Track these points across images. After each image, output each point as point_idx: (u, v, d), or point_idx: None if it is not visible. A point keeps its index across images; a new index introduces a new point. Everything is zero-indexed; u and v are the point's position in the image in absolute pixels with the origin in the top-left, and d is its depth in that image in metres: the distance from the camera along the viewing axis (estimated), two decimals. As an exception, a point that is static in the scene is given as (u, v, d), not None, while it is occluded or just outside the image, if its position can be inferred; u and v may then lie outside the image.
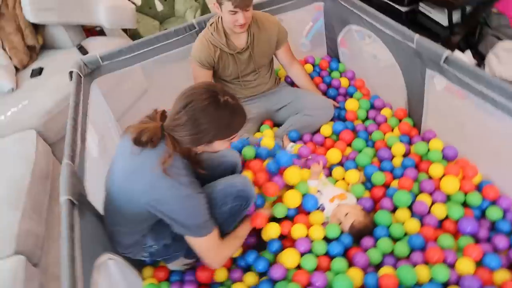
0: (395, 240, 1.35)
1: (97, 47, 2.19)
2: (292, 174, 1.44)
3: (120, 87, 2.02)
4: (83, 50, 2.17)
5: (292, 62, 1.87)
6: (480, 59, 2.02)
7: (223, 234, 1.19)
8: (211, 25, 1.67)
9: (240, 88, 1.83)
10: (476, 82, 1.23)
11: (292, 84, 2.10)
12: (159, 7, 2.80)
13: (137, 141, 1.03)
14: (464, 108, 1.41)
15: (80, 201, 1.06)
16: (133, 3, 2.34)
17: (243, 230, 1.27)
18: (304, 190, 1.44)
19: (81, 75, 1.57)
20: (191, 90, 1.03)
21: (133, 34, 2.60)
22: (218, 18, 1.65)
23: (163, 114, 1.11)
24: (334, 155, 1.63)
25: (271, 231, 1.35)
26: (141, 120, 1.11)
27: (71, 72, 1.55)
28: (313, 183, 1.48)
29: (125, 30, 2.57)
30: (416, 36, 1.40)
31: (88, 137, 1.39)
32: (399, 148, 1.60)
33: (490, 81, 1.17)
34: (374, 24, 1.62)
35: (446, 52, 1.29)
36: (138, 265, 1.41)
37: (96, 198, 1.23)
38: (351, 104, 1.88)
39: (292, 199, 1.40)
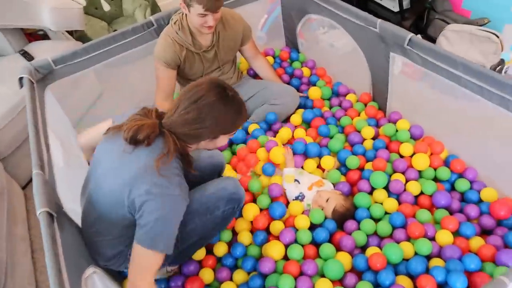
0: (376, 220, 1.39)
1: (43, 52, 2.03)
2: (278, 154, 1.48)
3: (75, 92, 1.89)
4: (27, 56, 2.01)
5: (256, 56, 1.86)
6: (431, 42, 2.12)
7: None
8: (175, 23, 1.59)
9: None
10: (440, 61, 1.29)
11: (255, 76, 2.10)
12: (106, 7, 2.65)
13: (133, 139, 0.98)
14: (427, 89, 1.48)
15: (57, 213, 0.98)
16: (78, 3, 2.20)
17: None
18: (265, 203, 1.42)
19: (33, 81, 1.44)
20: (197, 86, 1.01)
21: (80, 36, 2.44)
22: (183, 15, 1.59)
23: (157, 111, 1.06)
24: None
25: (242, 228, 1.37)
26: (132, 117, 1.04)
27: (21, 78, 1.42)
28: (289, 171, 1.48)
29: (70, 33, 2.41)
30: (379, 20, 1.44)
31: (51, 145, 1.28)
32: (368, 131, 1.64)
33: (454, 59, 1.23)
34: (335, 11, 1.64)
35: (410, 35, 1.34)
36: (118, 277, 1.33)
37: (68, 209, 1.14)
38: (315, 92, 1.91)
39: (250, 212, 1.38)
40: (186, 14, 1.55)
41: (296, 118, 1.78)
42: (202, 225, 1.15)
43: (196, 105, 0.98)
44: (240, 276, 1.30)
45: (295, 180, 1.49)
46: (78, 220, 1.15)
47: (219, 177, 1.26)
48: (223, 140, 1.07)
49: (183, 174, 1.03)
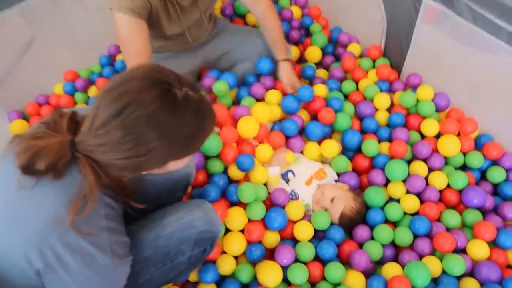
0: (392, 223, 1.12)
1: None
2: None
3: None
4: None
5: (257, 3, 1.32)
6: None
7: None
8: None
9: (177, 43, 1.34)
10: (502, 18, 0.91)
11: (231, 18, 1.65)
12: None
13: (29, 169, 0.60)
14: (466, 49, 1.12)
15: None
16: None
17: None
18: (258, 213, 1.05)
19: None
20: (125, 82, 0.60)
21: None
22: None
23: (73, 120, 0.65)
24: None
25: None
26: (33, 131, 0.64)
27: None
28: (275, 172, 1.14)
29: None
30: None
31: None
32: (383, 100, 1.28)
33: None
34: None
35: (461, -23, 0.94)
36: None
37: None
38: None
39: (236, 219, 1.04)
40: None
41: (272, 97, 1.29)
42: (160, 274, 0.82)
43: (120, 119, 0.57)
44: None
45: (289, 171, 1.17)
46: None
47: (183, 202, 0.88)
48: (177, 164, 0.68)
49: (116, 216, 0.68)
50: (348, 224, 1.09)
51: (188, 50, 1.40)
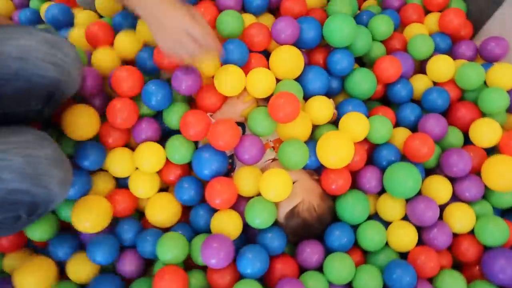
0: (361, 250, 0.72)
1: None
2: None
3: None
4: None
5: None
6: None
7: None
8: None
9: None
10: None
11: None
12: None
13: None
14: None
15: None
16: None
17: None
18: None
19: None
20: None
21: None
22: None
23: None
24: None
25: None
26: None
27: None
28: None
29: None
30: None
31: None
32: (441, 67, 0.79)
33: None
34: None
35: None
36: None
37: None
38: None
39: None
40: None
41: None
42: None
43: None
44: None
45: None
46: None
47: (17, 129, 0.52)
48: None
49: None
50: (296, 230, 0.69)
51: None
